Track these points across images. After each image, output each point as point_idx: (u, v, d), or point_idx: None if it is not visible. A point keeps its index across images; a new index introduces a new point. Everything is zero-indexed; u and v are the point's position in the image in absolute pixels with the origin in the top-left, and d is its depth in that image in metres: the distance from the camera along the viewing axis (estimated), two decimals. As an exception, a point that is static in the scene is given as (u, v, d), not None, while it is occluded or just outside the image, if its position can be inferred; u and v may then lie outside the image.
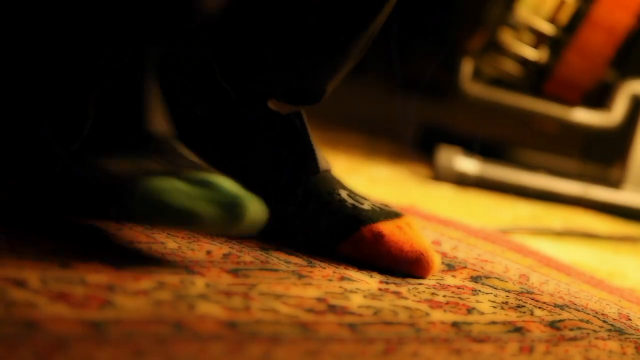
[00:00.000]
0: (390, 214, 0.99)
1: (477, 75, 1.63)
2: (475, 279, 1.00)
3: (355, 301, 0.87)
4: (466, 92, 1.60)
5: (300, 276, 0.91)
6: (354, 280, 0.93)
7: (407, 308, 0.88)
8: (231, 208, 0.84)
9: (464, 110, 1.94)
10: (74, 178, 0.88)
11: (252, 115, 1.03)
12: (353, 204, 1.00)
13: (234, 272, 0.88)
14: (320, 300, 0.86)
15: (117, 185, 0.85)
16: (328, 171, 1.03)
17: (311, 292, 0.87)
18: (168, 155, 0.89)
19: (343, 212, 0.99)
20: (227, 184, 0.86)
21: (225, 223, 0.84)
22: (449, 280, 0.99)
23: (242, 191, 0.85)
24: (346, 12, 1.00)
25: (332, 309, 0.85)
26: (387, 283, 0.94)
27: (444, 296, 0.93)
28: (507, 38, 1.61)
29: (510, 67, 1.63)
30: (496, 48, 1.62)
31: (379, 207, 1.00)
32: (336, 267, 0.96)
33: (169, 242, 0.93)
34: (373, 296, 0.90)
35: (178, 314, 0.76)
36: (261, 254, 0.96)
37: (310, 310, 0.83)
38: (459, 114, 1.99)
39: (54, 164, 0.88)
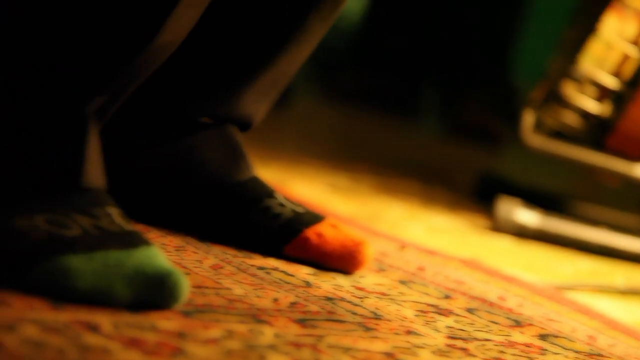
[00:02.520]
0: (320, 216, 1.09)
1: (539, 126, 1.61)
2: (543, 337, 0.99)
3: (423, 357, 0.86)
4: (528, 143, 1.59)
5: (367, 329, 0.90)
6: (421, 335, 0.92)
7: (476, 366, 0.87)
8: (148, 287, 0.80)
9: (523, 161, 1.92)
10: None
11: (184, 126, 1.08)
12: (292, 208, 1.08)
13: (302, 322, 0.87)
14: (388, 355, 0.85)
15: (21, 262, 0.79)
16: (257, 177, 1.11)
17: (379, 346, 0.86)
18: (94, 216, 0.83)
19: (285, 216, 1.06)
20: (148, 258, 0.82)
21: (141, 300, 0.80)
22: (516, 337, 0.97)
23: (161, 264, 0.82)
24: (265, 49, 1.06)
25: (401, 364, 0.83)
26: (454, 338, 0.93)
27: (513, 355, 0.92)
28: (570, 91, 1.60)
29: (572, 120, 1.62)
30: (558, 100, 1.61)
31: (311, 211, 1.09)
32: (402, 320, 0.95)
33: (236, 288, 0.92)
34: (441, 352, 0.88)
35: (249, 365, 0.75)
36: (327, 304, 0.95)
37: (380, 365, 0.82)
38: (518, 164, 1.97)
39: None
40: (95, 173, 0.85)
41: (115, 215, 0.84)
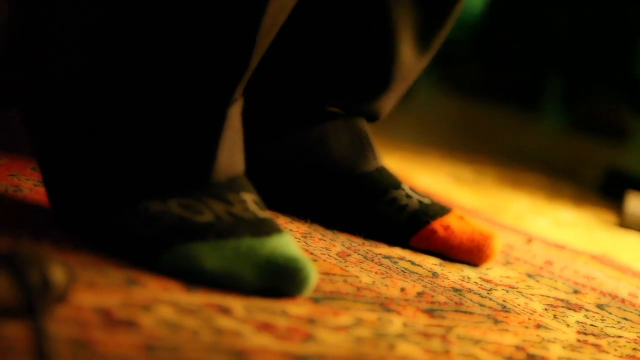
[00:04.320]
0: (447, 208, 1.08)
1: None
2: (677, 336, 0.96)
3: (555, 352, 0.84)
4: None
5: (496, 321, 0.89)
6: (551, 329, 0.90)
7: (609, 363, 0.85)
8: (278, 277, 0.79)
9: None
10: (115, 226, 0.82)
11: (312, 115, 1.08)
12: (418, 199, 1.07)
13: (430, 312, 0.87)
14: (518, 348, 0.83)
15: (152, 246, 0.80)
16: (384, 167, 1.10)
17: (509, 339, 0.85)
18: (228, 202, 0.83)
19: (411, 207, 1.06)
20: (279, 248, 0.81)
21: (269, 288, 0.79)
22: (649, 335, 0.95)
23: (291, 253, 0.81)
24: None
25: (532, 358, 0.82)
26: (585, 334, 0.91)
27: (646, 353, 0.89)
28: None
29: None
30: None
31: (437, 202, 1.08)
32: (531, 314, 0.93)
33: (363, 276, 0.92)
34: (572, 347, 0.87)
35: (379, 353, 0.75)
36: (454, 295, 0.94)
37: (510, 359, 0.81)
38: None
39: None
40: (230, 160, 0.85)
41: (249, 201, 0.84)
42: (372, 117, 1.10)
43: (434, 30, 1.07)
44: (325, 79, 1.07)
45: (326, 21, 1.06)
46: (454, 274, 1.01)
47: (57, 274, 0.66)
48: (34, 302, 0.63)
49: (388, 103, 1.10)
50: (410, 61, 1.07)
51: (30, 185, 0.95)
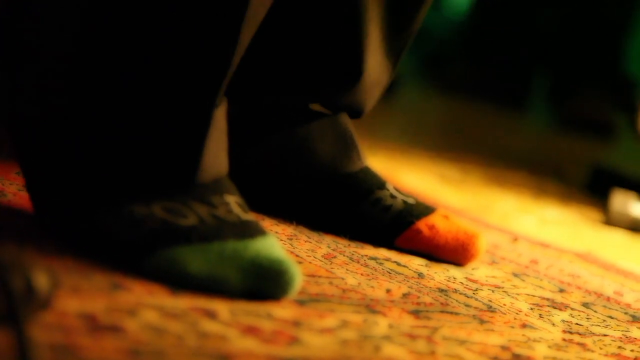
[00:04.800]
0: (431, 208, 1.08)
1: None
2: (662, 334, 0.96)
3: (540, 351, 0.85)
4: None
5: (482, 321, 0.89)
6: (536, 329, 0.90)
7: (594, 362, 0.85)
8: (263, 279, 0.79)
9: (638, 153, 1.88)
10: (99, 231, 0.82)
11: (296, 115, 1.08)
12: (403, 199, 1.07)
13: (415, 313, 0.87)
14: (504, 348, 0.84)
15: (137, 250, 0.80)
16: (369, 167, 1.10)
17: (494, 339, 0.85)
18: (212, 204, 0.83)
19: (396, 208, 1.06)
20: (264, 250, 0.81)
21: (254, 291, 0.79)
22: (634, 332, 0.95)
23: (275, 255, 0.80)
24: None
25: (517, 358, 0.82)
26: (570, 333, 0.91)
27: (632, 351, 0.90)
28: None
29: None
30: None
31: (422, 202, 1.08)
32: (517, 314, 0.93)
33: (349, 278, 0.92)
34: (558, 347, 0.87)
35: (365, 355, 0.75)
36: (440, 295, 0.94)
37: (495, 359, 0.81)
38: (633, 156, 1.93)
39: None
40: (215, 162, 0.85)
41: (232, 203, 0.84)
42: (355, 112, 1.10)
43: (405, 20, 1.06)
44: (300, 73, 1.07)
45: (293, 14, 1.05)
46: (440, 274, 1.01)
47: (41, 280, 0.66)
48: (17, 308, 0.63)
49: (369, 95, 1.09)
50: (381, 49, 1.06)
51: (14, 190, 0.94)
